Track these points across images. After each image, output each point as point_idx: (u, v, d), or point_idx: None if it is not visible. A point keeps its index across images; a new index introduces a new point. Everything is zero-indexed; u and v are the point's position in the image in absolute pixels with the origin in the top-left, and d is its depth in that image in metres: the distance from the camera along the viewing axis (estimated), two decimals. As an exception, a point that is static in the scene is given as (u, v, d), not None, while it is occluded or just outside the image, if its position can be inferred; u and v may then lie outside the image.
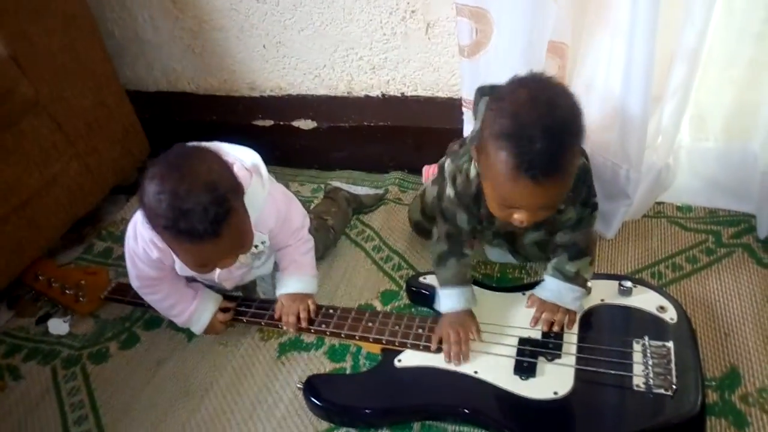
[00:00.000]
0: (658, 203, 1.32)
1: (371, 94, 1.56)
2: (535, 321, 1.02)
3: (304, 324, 1.11)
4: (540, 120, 0.78)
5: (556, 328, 1.00)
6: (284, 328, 1.13)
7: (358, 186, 1.49)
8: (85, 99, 1.48)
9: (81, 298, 1.28)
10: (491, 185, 0.87)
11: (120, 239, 1.49)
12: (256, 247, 1.04)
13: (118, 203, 1.61)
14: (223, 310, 1.17)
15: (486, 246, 1.24)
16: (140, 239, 1.03)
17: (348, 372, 1.10)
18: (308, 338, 1.16)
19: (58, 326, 1.27)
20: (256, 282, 1.24)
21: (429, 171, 1.44)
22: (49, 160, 1.38)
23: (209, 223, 0.86)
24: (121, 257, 1.42)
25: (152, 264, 1.05)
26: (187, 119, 1.72)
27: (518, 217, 0.86)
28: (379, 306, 1.22)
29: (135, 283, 1.11)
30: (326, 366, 1.11)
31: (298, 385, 1.05)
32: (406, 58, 1.47)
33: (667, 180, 1.25)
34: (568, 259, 1.01)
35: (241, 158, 1.00)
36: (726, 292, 1.12)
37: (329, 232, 1.32)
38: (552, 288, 1.01)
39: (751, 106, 1.17)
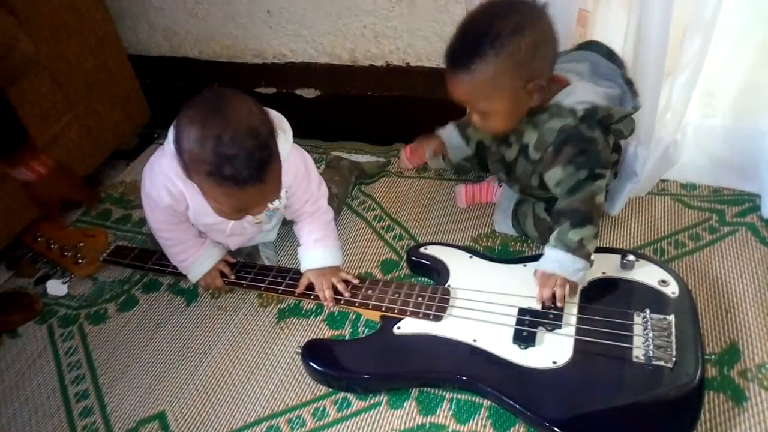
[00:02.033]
0: (663, 181, 1.30)
1: (376, 64, 1.54)
2: (541, 298, 1.00)
3: (346, 294, 1.09)
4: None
5: (559, 304, 0.99)
6: (324, 303, 1.10)
7: (359, 155, 1.48)
8: (86, 60, 1.46)
9: (80, 260, 1.27)
10: None
11: (119, 201, 1.49)
12: (271, 203, 1.04)
13: (118, 167, 1.60)
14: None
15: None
16: (154, 185, 1.02)
17: (347, 339, 1.10)
18: (307, 305, 1.16)
19: (56, 287, 1.27)
20: (259, 249, 1.24)
21: (410, 151, 1.44)
22: (49, 121, 1.36)
23: (254, 168, 0.86)
24: (120, 220, 1.44)
25: (165, 210, 1.05)
26: (189, 85, 1.70)
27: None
28: (379, 275, 1.21)
29: (153, 225, 1.12)
30: (325, 332, 1.11)
31: (297, 350, 1.05)
32: (411, 27, 1.45)
33: (674, 157, 1.24)
34: (571, 226, 0.99)
35: (270, 113, 0.99)
36: (728, 269, 1.12)
37: (333, 200, 1.31)
38: (554, 259, 1.00)
39: (761, 85, 1.16)
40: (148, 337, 1.15)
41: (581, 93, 1.03)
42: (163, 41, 1.71)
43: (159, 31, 1.69)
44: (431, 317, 1.02)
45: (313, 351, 1.02)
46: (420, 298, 1.05)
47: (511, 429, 0.92)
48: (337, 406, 0.99)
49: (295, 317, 1.15)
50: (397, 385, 1.00)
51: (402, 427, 0.95)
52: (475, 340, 0.97)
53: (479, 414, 0.95)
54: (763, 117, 1.17)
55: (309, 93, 1.58)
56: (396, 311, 1.04)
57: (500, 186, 1.28)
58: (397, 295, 1.07)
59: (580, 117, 1.01)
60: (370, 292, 1.09)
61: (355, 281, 1.11)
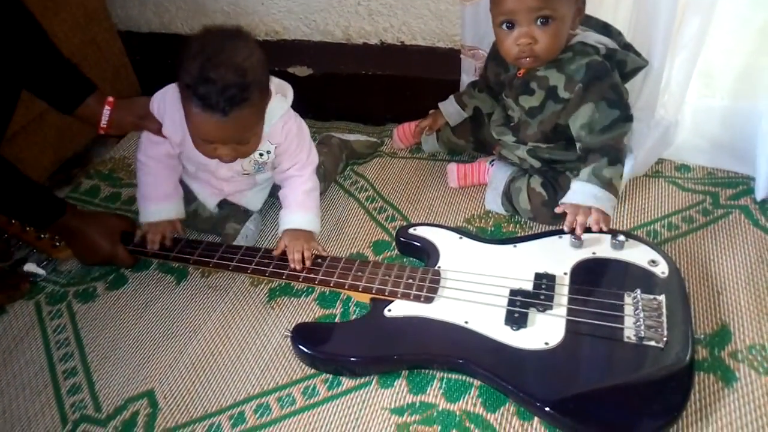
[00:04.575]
0: (657, 162, 1.30)
1: (369, 42, 1.52)
2: (571, 225, 1.02)
3: (308, 263, 1.10)
4: None
5: (604, 227, 1.02)
6: (291, 265, 1.10)
7: (350, 135, 1.47)
8: (75, 36, 1.44)
9: (57, 243, 1.22)
10: None
11: (108, 178, 1.47)
12: (261, 155, 1.11)
13: (108, 145, 1.57)
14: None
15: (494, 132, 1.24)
16: (156, 96, 1.11)
17: (337, 319, 1.09)
18: (298, 285, 1.15)
19: (34, 271, 1.23)
20: (239, 231, 1.23)
21: (402, 130, 1.43)
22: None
23: (223, 101, 0.92)
24: (109, 197, 1.42)
25: (158, 141, 1.13)
26: (179, 62, 1.67)
27: None
28: (371, 256, 1.21)
29: (140, 157, 1.17)
30: (316, 312, 1.11)
31: (286, 333, 1.04)
32: (406, 4, 1.43)
33: (673, 137, 1.24)
34: (608, 163, 1.03)
35: (274, 81, 1.07)
36: (720, 251, 1.11)
37: (320, 167, 1.30)
38: (589, 193, 1.03)
39: (760, 68, 1.16)
40: (138, 316, 1.14)
41: (596, 36, 1.05)
42: (153, 17, 1.68)
43: (149, 7, 1.66)
44: (422, 299, 1.01)
45: (302, 334, 1.01)
46: (411, 280, 1.04)
47: (501, 408, 0.92)
48: (328, 384, 0.99)
49: (286, 296, 1.14)
50: (389, 369, 0.99)
51: (392, 406, 0.95)
52: (466, 322, 0.96)
53: (469, 393, 0.95)
54: (761, 98, 1.17)
55: (301, 71, 1.56)
56: (386, 293, 1.03)
57: (492, 165, 1.27)
58: (387, 277, 1.06)
59: (603, 55, 1.03)
60: (360, 273, 1.07)
61: (325, 254, 1.12)
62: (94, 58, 1.49)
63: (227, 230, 1.22)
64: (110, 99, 1.12)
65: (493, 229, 1.22)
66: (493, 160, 1.28)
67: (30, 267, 1.23)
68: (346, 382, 0.99)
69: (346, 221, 1.29)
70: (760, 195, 1.19)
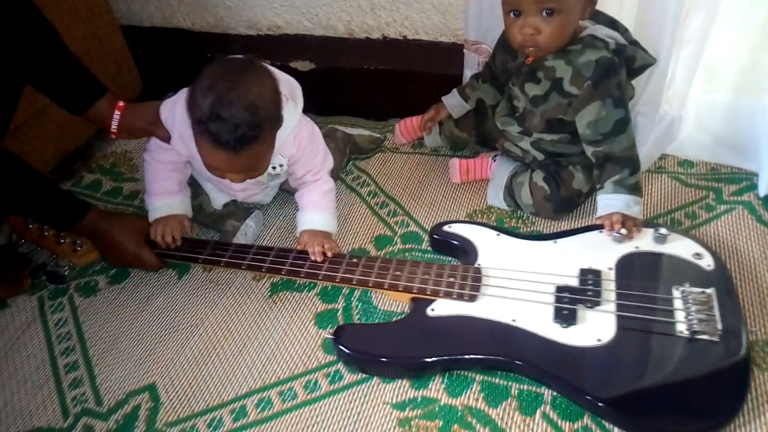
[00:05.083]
0: (660, 158, 1.29)
1: (372, 36, 1.51)
2: (611, 229, 1.03)
3: (329, 254, 1.10)
4: None
5: (637, 232, 1.03)
6: (312, 258, 1.10)
7: (353, 129, 1.46)
8: (76, 30, 1.43)
9: (79, 247, 1.18)
10: None
11: (109, 172, 1.47)
12: (274, 168, 1.10)
13: (109, 140, 1.57)
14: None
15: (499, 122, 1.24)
16: (173, 120, 1.09)
17: (340, 314, 1.09)
18: (300, 279, 1.15)
19: (56, 277, 1.19)
20: (239, 228, 1.22)
21: (404, 125, 1.42)
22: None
23: (234, 138, 0.92)
24: (110, 192, 1.42)
25: (166, 147, 1.13)
26: (181, 57, 1.67)
27: None
28: (372, 251, 1.20)
29: (147, 158, 1.17)
30: (318, 307, 1.10)
31: (328, 335, 1.02)
32: (409, -3, 1.42)
33: (677, 132, 1.23)
34: (630, 174, 1.05)
35: (285, 80, 1.06)
36: (724, 247, 1.11)
37: None
38: (618, 200, 1.04)
39: (764, 63, 1.15)
40: (139, 310, 1.14)
41: (607, 30, 1.04)
42: (155, 12, 1.67)
43: (152, 1, 1.65)
44: (465, 298, 0.99)
45: (346, 335, 0.98)
46: (452, 279, 1.02)
47: (503, 403, 0.92)
48: (329, 379, 0.99)
49: (288, 291, 1.14)
50: (436, 370, 0.96)
51: (394, 401, 0.95)
52: (514, 320, 0.94)
53: (471, 388, 0.95)
54: (765, 94, 1.16)
55: (303, 66, 1.55)
56: (428, 292, 1.01)
57: (494, 161, 1.27)
58: (427, 275, 1.03)
59: (613, 49, 1.03)
60: (398, 273, 1.05)
61: (340, 253, 1.12)
62: (96, 53, 1.48)
63: (226, 227, 1.22)
64: (120, 104, 1.11)
65: (495, 224, 1.21)
66: (495, 156, 1.28)
67: (51, 273, 1.19)
68: (348, 377, 0.99)
69: (349, 216, 1.29)
70: (763, 191, 1.18)
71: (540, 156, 1.19)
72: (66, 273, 1.20)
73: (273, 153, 1.04)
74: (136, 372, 1.03)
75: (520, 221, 1.22)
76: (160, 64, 1.66)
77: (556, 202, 1.16)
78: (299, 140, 1.11)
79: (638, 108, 1.18)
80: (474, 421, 0.91)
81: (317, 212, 1.15)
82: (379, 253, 1.20)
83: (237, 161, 0.96)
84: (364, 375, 0.98)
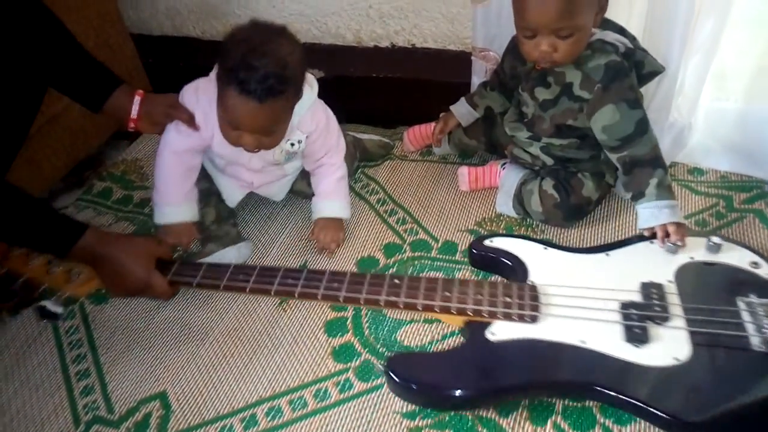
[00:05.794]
0: (670, 166, 1.29)
1: (380, 45, 1.52)
2: (663, 240, 1.00)
3: (334, 246, 1.19)
4: None
5: (683, 243, 0.98)
6: (323, 249, 1.20)
7: (363, 135, 1.47)
8: (88, 38, 1.44)
9: (75, 276, 1.01)
10: None
11: (120, 180, 1.48)
12: (292, 145, 1.13)
13: (120, 148, 1.58)
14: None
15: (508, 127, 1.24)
16: (196, 98, 1.10)
17: (349, 322, 1.09)
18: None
19: (52, 309, 1.00)
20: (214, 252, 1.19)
21: (413, 133, 1.42)
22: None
23: (262, 89, 0.94)
24: (121, 200, 1.42)
25: (185, 132, 1.11)
26: (191, 65, 1.67)
27: None
28: (382, 259, 1.21)
29: (163, 152, 1.14)
30: (328, 315, 1.11)
31: (381, 366, 0.98)
32: (417, 7, 1.43)
33: (687, 140, 1.23)
34: (665, 172, 1.03)
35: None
36: (735, 255, 1.11)
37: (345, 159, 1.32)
38: (664, 206, 1.01)
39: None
40: (150, 317, 1.14)
41: (616, 35, 1.05)
42: (165, 20, 1.69)
43: (161, 10, 1.67)
44: (526, 319, 0.91)
45: (402, 366, 0.91)
46: (507, 298, 0.93)
47: (514, 413, 0.92)
48: (339, 387, 0.99)
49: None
50: (505, 399, 0.91)
51: (404, 410, 0.94)
52: (583, 342, 0.88)
53: (482, 397, 0.94)
54: (775, 101, 1.16)
55: (312, 74, 1.56)
56: (485, 314, 0.93)
57: (503, 169, 1.27)
58: (480, 296, 0.94)
59: (622, 53, 1.03)
60: (447, 293, 0.95)
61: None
62: (107, 61, 1.46)
63: (207, 248, 1.20)
64: (140, 91, 1.12)
65: (504, 232, 1.21)
66: (504, 164, 1.28)
67: (47, 307, 1.00)
68: (358, 385, 0.99)
69: (358, 224, 1.29)
70: (774, 199, 1.18)
71: (549, 161, 1.19)
72: (60, 311, 1.00)
73: (290, 127, 1.08)
74: (147, 379, 1.04)
75: (529, 229, 1.22)
76: (170, 72, 1.66)
77: (566, 209, 1.16)
78: (317, 119, 1.15)
79: (648, 116, 1.18)
80: (485, 431, 0.90)
81: (332, 199, 1.21)
82: (388, 261, 1.20)
83: (259, 115, 0.98)
84: (374, 383, 0.98)
